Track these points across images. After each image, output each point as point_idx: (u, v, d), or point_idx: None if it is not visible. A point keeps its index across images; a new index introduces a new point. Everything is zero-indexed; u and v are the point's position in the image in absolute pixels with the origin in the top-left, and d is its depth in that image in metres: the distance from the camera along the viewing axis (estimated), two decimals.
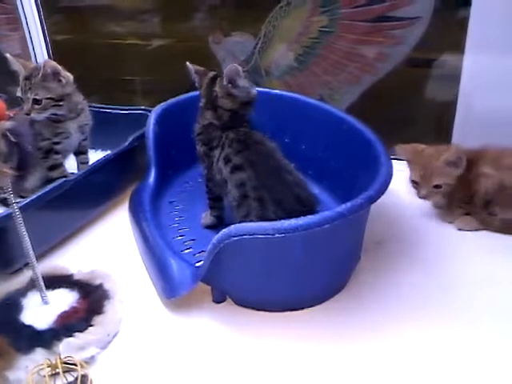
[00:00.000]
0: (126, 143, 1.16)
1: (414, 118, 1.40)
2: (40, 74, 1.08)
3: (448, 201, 1.06)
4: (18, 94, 1.09)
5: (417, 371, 0.76)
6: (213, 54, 1.55)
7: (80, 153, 1.23)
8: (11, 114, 0.75)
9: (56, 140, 1.15)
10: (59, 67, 1.10)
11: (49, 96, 1.09)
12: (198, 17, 1.56)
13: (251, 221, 0.89)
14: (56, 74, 1.10)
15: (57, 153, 1.17)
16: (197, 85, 1.01)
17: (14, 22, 1.67)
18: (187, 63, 1.02)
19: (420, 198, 1.05)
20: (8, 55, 1.10)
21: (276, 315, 0.87)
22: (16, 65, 1.10)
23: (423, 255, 1.00)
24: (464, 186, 1.03)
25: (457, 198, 1.05)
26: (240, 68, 0.96)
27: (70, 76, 1.13)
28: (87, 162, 1.24)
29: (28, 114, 1.08)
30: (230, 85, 0.96)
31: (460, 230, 1.05)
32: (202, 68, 1.02)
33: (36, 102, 1.08)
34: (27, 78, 1.08)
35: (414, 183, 1.06)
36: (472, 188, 1.02)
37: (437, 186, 1.03)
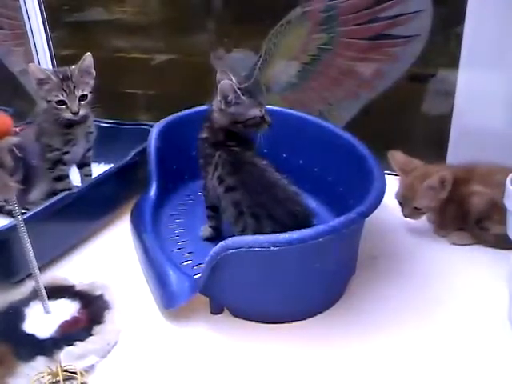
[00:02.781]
0: (129, 157, 1.18)
1: (410, 133, 1.42)
2: (77, 71, 1.11)
3: (441, 217, 1.08)
4: (60, 98, 1.09)
5: (409, 382, 0.78)
6: (214, 70, 1.57)
7: (84, 165, 1.25)
8: (17, 130, 0.77)
9: (65, 150, 1.17)
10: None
11: (90, 90, 1.13)
12: (201, 32, 1.59)
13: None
14: (89, 68, 1.14)
15: (64, 164, 1.19)
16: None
17: (20, 37, 1.70)
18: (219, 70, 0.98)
19: (404, 216, 1.08)
20: (31, 64, 1.12)
21: (271, 327, 0.88)
22: (42, 73, 1.10)
23: (417, 269, 1.01)
24: (456, 203, 1.05)
25: (449, 214, 1.06)
26: (234, 85, 0.94)
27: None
28: (91, 175, 1.26)
29: (76, 113, 1.10)
30: (222, 101, 0.95)
31: (453, 244, 1.07)
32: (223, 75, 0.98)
33: (83, 98, 1.11)
34: (66, 79, 1.10)
35: (398, 201, 1.08)
36: (464, 205, 1.04)
37: (417, 208, 1.06)
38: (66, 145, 1.17)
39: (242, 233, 0.92)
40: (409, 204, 1.06)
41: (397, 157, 1.09)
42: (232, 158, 0.96)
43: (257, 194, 0.92)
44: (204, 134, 1.00)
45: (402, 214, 1.07)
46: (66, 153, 1.18)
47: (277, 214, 0.91)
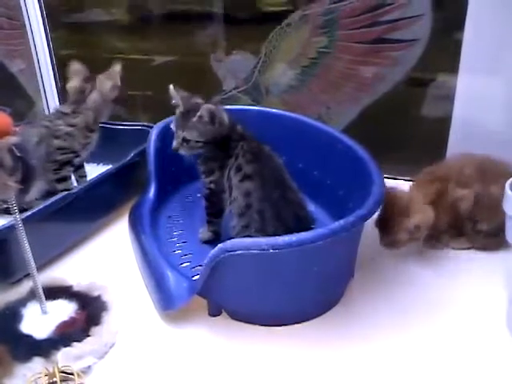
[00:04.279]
0: (128, 158, 1.18)
1: (409, 137, 1.42)
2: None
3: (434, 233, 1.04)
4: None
5: None
6: (214, 72, 1.58)
7: (79, 166, 1.26)
8: (17, 129, 0.77)
9: (81, 152, 1.21)
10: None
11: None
12: (201, 34, 1.59)
13: (249, 234, 0.92)
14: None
15: (72, 165, 1.21)
16: (181, 108, 1.01)
17: (20, 37, 1.70)
18: (171, 87, 1.02)
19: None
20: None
21: (270, 329, 0.88)
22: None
23: (416, 273, 1.01)
24: (447, 213, 1.02)
25: (442, 227, 1.04)
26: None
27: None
28: (86, 176, 1.28)
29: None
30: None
31: (452, 248, 1.07)
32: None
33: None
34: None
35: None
36: (452, 213, 1.03)
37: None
38: (83, 148, 1.21)
39: (245, 228, 0.93)
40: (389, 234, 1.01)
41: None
42: (254, 148, 0.98)
43: (269, 188, 0.93)
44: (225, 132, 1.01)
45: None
46: (78, 156, 1.21)
47: (282, 214, 0.92)
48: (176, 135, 1.00)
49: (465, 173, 1.03)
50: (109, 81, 1.21)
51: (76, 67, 1.22)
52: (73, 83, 1.21)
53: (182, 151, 1.00)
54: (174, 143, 1.00)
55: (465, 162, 1.05)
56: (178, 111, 1.01)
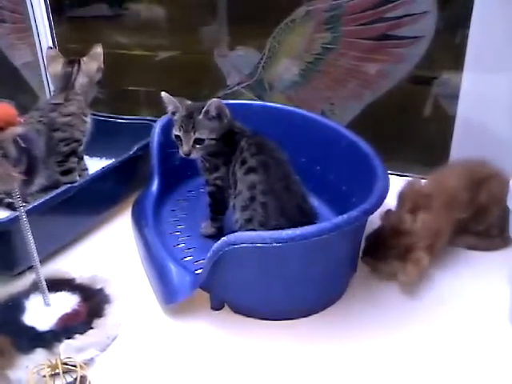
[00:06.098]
0: (131, 152, 1.18)
1: (413, 134, 1.42)
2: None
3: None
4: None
5: (409, 382, 0.78)
6: (218, 67, 1.58)
7: (80, 159, 1.26)
8: (21, 120, 0.77)
9: (83, 139, 1.22)
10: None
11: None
12: (205, 30, 1.59)
13: (253, 227, 0.92)
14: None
15: (76, 155, 1.22)
16: (183, 111, 1.00)
17: (23, 30, 1.70)
18: (163, 93, 1.01)
19: None
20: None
21: (272, 324, 0.88)
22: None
23: None
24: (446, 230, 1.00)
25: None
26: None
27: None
28: (87, 168, 1.29)
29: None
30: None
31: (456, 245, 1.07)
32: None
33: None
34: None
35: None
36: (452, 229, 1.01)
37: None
38: (82, 133, 1.21)
39: (248, 222, 0.93)
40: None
41: None
42: (258, 141, 0.99)
43: (273, 181, 0.93)
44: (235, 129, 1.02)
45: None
46: (81, 144, 1.22)
47: (286, 206, 0.92)
48: (184, 139, 0.98)
49: (461, 196, 1.00)
50: (93, 62, 1.22)
51: (51, 53, 1.24)
52: (54, 69, 1.22)
53: (194, 154, 0.99)
54: (184, 148, 0.98)
55: (456, 179, 1.02)
56: (178, 116, 1.00)
